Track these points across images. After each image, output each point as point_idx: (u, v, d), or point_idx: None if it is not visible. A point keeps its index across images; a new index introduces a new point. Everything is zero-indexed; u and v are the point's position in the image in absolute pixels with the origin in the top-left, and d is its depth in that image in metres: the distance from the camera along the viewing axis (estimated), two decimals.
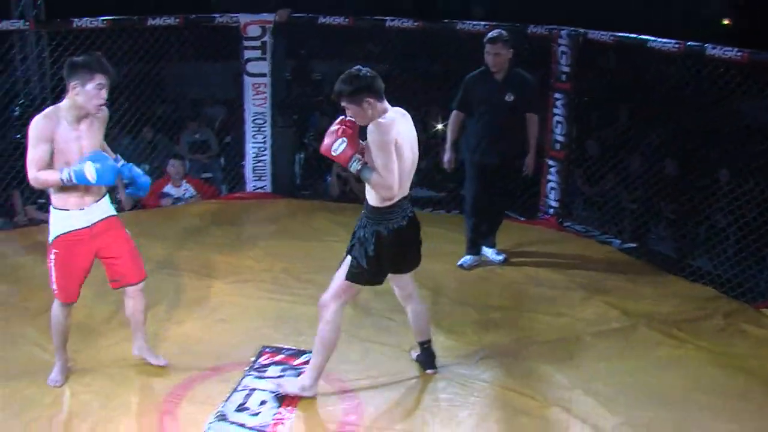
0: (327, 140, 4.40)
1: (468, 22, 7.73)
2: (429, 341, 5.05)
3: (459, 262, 6.73)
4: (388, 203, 4.46)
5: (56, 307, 4.74)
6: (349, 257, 4.59)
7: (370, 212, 4.53)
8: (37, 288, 6.03)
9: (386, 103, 4.44)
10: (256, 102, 8.40)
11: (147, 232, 7.39)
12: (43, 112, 4.36)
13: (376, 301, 5.89)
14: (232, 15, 8.29)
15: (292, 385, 4.71)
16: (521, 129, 6.49)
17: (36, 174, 4.32)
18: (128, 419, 4.49)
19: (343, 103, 4.40)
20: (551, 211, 7.80)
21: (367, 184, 4.47)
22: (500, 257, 6.82)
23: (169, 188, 8.37)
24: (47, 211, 7.65)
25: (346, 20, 8.12)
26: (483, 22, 7.70)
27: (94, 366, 5.03)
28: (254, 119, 8.45)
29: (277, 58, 8.36)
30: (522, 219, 8.01)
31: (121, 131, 8.93)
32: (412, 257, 4.80)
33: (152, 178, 8.51)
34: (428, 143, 9.44)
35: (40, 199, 7.85)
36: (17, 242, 7.20)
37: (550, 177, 7.75)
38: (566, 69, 7.45)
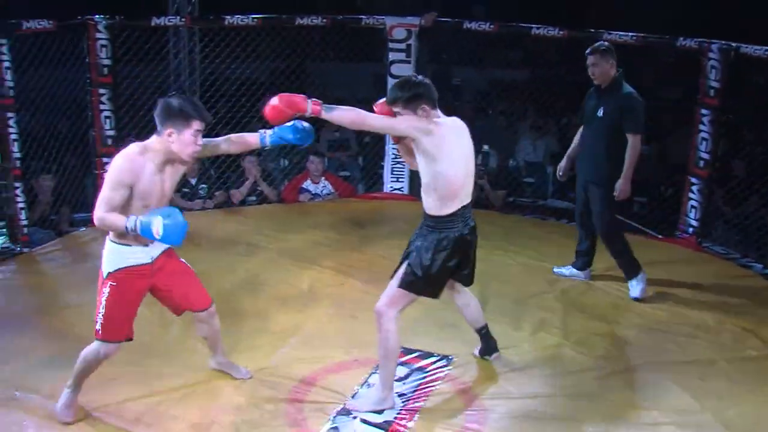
0: (273, 102, 4.39)
1: (615, 32, 7.57)
2: (486, 326, 5.12)
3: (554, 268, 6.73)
4: (448, 212, 4.44)
5: (95, 350, 4.29)
6: (404, 264, 4.57)
7: (429, 221, 4.51)
8: None
9: (439, 112, 4.44)
10: None
11: (284, 227, 7.65)
12: (128, 155, 4.06)
13: (506, 313, 5.90)
14: (379, 17, 8.40)
15: (365, 403, 4.66)
16: (616, 148, 6.05)
17: (104, 215, 4.02)
18: (253, 407, 4.62)
19: (396, 109, 4.39)
20: (690, 230, 7.58)
21: (424, 195, 4.48)
22: (636, 293, 6.34)
23: (307, 184, 8.57)
24: (190, 200, 8.08)
25: (491, 26, 8.10)
26: (630, 33, 7.54)
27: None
28: None
29: (420, 61, 8.42)
30: (660, 237, 7.82)
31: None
32: (470, 270, 4.77)
33: (291, 174, 8.82)
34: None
35: (184, 188, 8.17)
36: None
37: (691, 195, 7.53)
38: (715, 84, 7.21)
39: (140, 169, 4.04)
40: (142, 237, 4.05)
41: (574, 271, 6.59)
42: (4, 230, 6.96)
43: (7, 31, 6.49)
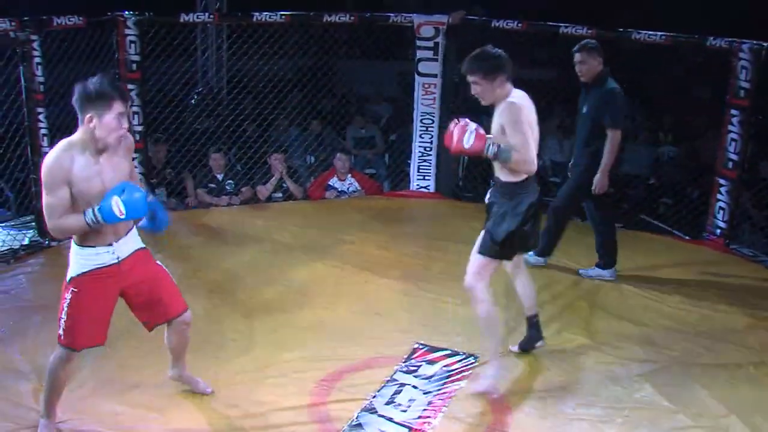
0: (455, 137, 4.47)
1: (644, 31, 7.53)
2: (537, 314, 5.21)
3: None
4: (522, 178, 4.56)
5: (58, 356, 4.08)
6: (483, 233, 4.69)
7: (505, 188, 4.64)
8: (207, 267, 6.38)
9: (512, 85, 4.56)
10: (425, 102, 8.49)
11: (310, 223, 7.67)
12: (53, 153, 3.76)
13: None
14: (406, 15, 8.39)
15: (484, 383, 4.80)
16: (597, 143, 6.23)
17: (57, 222, 3.76)
18: (277, 402, 4.62)
19: (474, 79, 4.50)
20: (718, 231, 7.51)
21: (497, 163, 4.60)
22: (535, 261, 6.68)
23: (334, 181, 8.58)
24: (216, 196, 8.12)
25: (519, 24, 8.06)
26: (660, 33, 7.49)
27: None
28: (422, 119, 8.54)
29: (448, 59, 8.40)
30: (687, 238, 7.77)
31: (292, 123, 9.24)
32: (535, 234, 4.90)
33: (318, 171, 8.84)
34: None
35: (211, 184, 8.21)
36: (188, 223, 7.57)
37: (719, 197, 7.45)
38: (746, 84, 7.14)
39: (69, 164, 3.74)
40: (105, 232, 3.89)
41: (600, 271, 6.56)
42: (33, 224, 7.01)
43: (38, 28, 6.54)
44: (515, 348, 5.27)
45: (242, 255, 6.79)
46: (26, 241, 6.89)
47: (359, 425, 4.42)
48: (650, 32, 7.53)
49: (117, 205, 3.71)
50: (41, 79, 6.60)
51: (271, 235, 7.37)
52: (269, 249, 7.02)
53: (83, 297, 3.97)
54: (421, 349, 5.26)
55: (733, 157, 7.31)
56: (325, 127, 9.46)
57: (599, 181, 6.23)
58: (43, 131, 6.68)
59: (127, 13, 7.29)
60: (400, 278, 6.43)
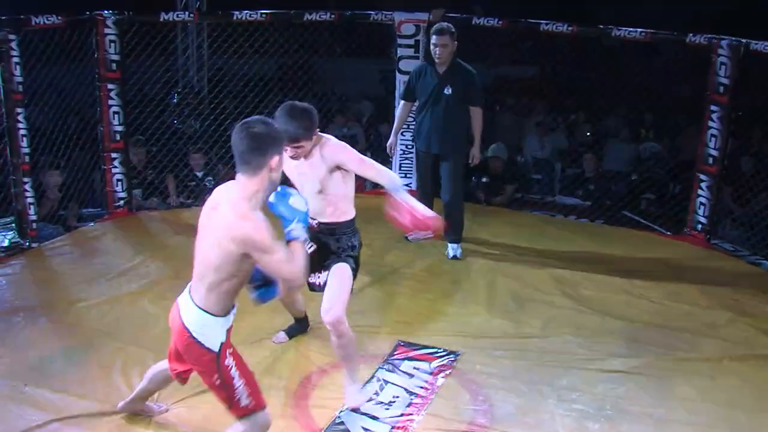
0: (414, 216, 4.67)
1: (624, 28, 7.54)
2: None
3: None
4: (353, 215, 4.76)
5: (255, 427, 3.81)
6: (342, 266, 4.59)
7: (349, 226, 4.73)
8: (189, 267, 6.29)
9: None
10: None
11: None
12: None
13: (514, 309, 5.90)
14: (387, 13, 8.37)
15: (353, 399, 4.62)
16: (464, 121, 6.70)
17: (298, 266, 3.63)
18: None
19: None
20: (699, 227, 7.54)
21: (349, 206, 4.79)
22: (456, 253, 6.83)
23: None
24: (196, 195, 8.05)
25: (500, 22, 8.07)
26: (639, 29, 7.50)
27: None
28: None
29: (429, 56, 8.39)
30: (668, 233, 7.79)
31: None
32: None
33: None
34: (577, 151, 9.31)
35: (191, 182, 8.16)
36: (170, 223, 7.52)
37: (700, 192, 7.48)
38: (725, 81, 7.17)
39: None
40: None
41: (449, 248, 6.86)
42: (13, 225, 6.96)
43: (16, 27, 6.49)
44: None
45: None
46: (6, 243, 6.83)
47: (342, 423, 4.41)
48: (630, 29, 7.53)
49: None
50: (20, 79, 6.55)
51: None
52: None
53: (236, 355, 3.80)
54: (403, 346, 5.26)
55: (713, 152, 7.33)
56: None
57: (477, 154, 6.82)
58: (22, 132, 6.62)
59: (106, 12, 7.24)
60: (384, 277, 6.43)
